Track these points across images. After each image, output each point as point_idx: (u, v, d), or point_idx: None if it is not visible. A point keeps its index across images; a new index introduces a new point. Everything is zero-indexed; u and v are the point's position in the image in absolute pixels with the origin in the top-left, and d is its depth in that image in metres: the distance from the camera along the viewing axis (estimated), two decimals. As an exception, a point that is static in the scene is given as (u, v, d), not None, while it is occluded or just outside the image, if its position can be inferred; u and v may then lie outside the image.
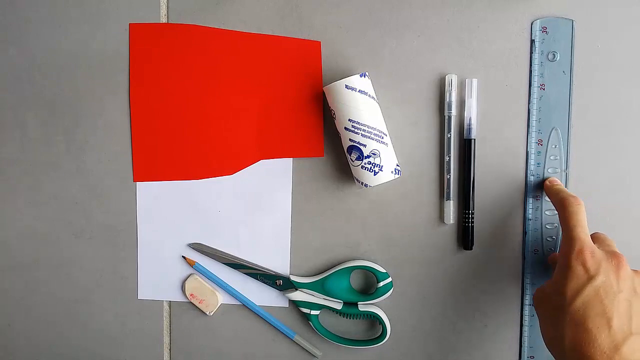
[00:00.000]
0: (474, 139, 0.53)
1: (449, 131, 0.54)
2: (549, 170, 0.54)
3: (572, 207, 0.47)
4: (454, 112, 0.53)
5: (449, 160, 0.54)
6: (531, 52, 0.53)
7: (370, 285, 0.57)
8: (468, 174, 0.54)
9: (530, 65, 0.53)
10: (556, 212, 0.49)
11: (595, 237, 0.48)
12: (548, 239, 0.54)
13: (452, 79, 0.53)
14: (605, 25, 0.52)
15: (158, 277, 0.59)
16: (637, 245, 0.54)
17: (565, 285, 0.42)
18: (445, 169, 0.54)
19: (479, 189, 0.55)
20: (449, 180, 0.54)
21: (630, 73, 0.53)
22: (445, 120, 0.54)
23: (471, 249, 0.54)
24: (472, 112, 0.53)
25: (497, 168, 0.54)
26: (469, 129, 0.53)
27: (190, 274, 0.59)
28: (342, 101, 0.51)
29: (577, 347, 0.41)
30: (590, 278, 0.42)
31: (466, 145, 0.54)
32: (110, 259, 0.59)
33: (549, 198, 0.51)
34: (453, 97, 0.53)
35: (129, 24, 0.56)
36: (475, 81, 0.53)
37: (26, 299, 0.61)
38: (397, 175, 0.52)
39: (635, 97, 0.53)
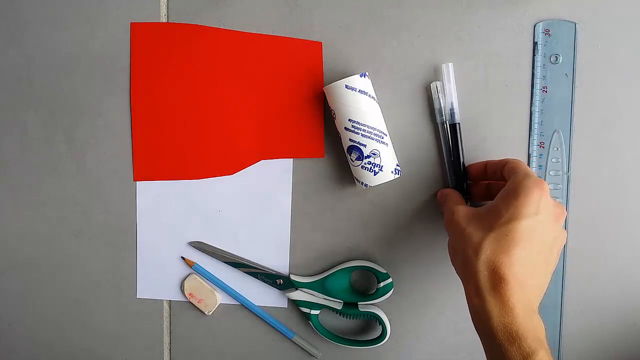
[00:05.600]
0: (459, 123, 0.53)
1: (445, 135, 0.54)
2: (550, 172, 0.54)
3: (515, 160, 0.48)
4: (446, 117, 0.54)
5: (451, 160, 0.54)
6: (534, 55, 0.53)
7: (370, 285, 0.57)
8: (457, 160, 0.53)
9: (533, 67, 0.53)
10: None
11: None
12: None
13: (437, 86, 0.53)
14: (608, 28, 0.52)
15: (158, 276, 0.59)
16: (638, 247, 0.54)
17: (511, 205, 0.42)
18: (449, 173, 0.54)
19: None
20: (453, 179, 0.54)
21: (633, 76, 0.53)
22: (440, 126, 0.54)
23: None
24: (452, 96, 0.53)
25: (497, 169, 0.54)
26: (452, 114, 0.53)
27: (190, 274, 0.59)
28: (342, 101, 0.50)
29: (491, 264, 0.41)
30: (538, 213, 0.42)
31: (451, 131, 0.53)
32: (110, 259, 0.59)
33: (489, 173, 0.51)
34: (442, 103, 0.53)
35: (130, 23, 0.56)
36: (451, 65, 0.53)
37: (26, 299, 0.61)
38: (397, 175, 0.52)
39: (637, 100, 0.53)
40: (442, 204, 0.52)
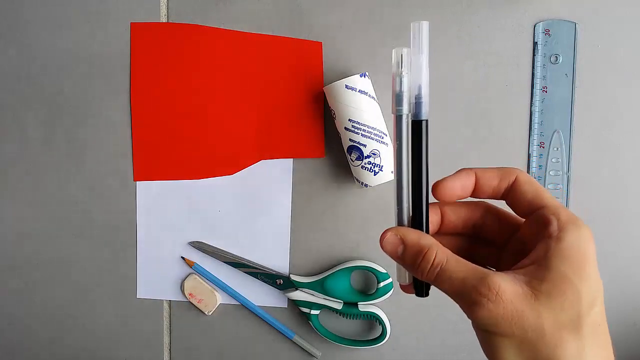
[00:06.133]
0: (426, 121, 0.33)
1: (400, 135, 0.33)
2: (550, 172, 0.54)
3: (525, 174, 0.32)
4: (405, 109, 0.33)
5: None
6: (534, 55, 0.53)
7: (370, 286, 0.57)
8: (418, 176, 0.33)
9: (533, 67, 0.53)
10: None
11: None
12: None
13: (403, 55, 0.33)
14: (608, 28, 0.52)
15: (157, 276, 0.59)
16: (638, 247, 0.54)
17: (585, 277, 0.28)
18: (397, 197, 0.34)
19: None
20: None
21: (633, 76, 0.53)
22: (396, 121, 0.33)
23: (427, 294, 0.34)
24: (422, 76, 0.32)
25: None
26: (419, 104, 0.32)
27: (190, 274, 0.59)
28: (342, 101, 0.50)
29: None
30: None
31: (413, 131, 0.33)
32: (110, 259, 0.59)
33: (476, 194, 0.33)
34: (405, 84, 0.33)
35: (130, 23, 0.56)
36: (425, 25, 0.32)
37: (26, 299, 0.61)
38: (397, 176, 0.51)
39: (637, 100, 0.53)
40: (414, 262, 0.31)
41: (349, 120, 0.50)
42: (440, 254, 0.30)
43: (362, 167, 0.51)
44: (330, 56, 0.55)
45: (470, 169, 0.33)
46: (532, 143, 0.54)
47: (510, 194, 0.32)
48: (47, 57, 0.57)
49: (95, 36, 0.56)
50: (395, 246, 0.32)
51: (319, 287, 0.56)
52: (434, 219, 0.34)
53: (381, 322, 0.56)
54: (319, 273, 0.57)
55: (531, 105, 0.53)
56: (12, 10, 0.57)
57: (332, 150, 0.56)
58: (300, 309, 0.57)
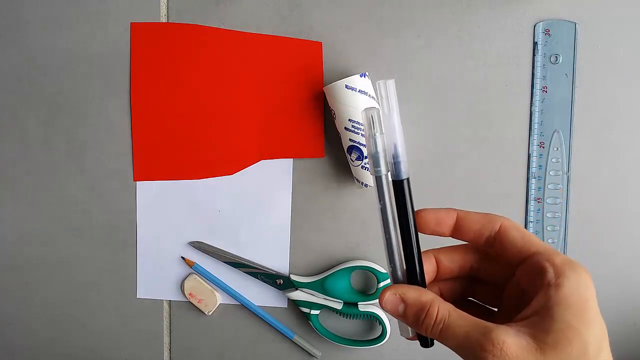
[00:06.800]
0: (407, 179, 0.32)
1: (383, 196, 0.33)
2: (550, 172, 0.54)
3: (510, 221, 0.32)
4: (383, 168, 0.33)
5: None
6: (534, 55, 0.53)
7: (370, 286, 0.57)
8: (408, 232, 0.32)
9: (533, 67, 0.53)
10: (558, 214, 0.48)
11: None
12: (549, 241, 0.54)
13: (373, 116, 0.33)
14: (608, 28, 0.52)
15: (158, 276, 0.59)
16: (638, 247, 0.54)
17: (589, 324, 0.28)
18: (389, 255, 0.33)
19: (481, 188, 0.54)
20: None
21: (633, 76, 0.53)
22: (376, 182, 0.33)
23: (432, 345, 0.33)
24: (396, 134, 0.32)
25: (498, 169, 0.54)
26: (397, 164, 0.32)
27: (190, 273, 0.59)
28: (342, 101, 0.50)
29: None
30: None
31: (396, 190, 0.32)
32: (110, 259, 0.59)
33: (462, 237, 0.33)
34: (379, 145, 0.32)
35: (130, 23, 0.56)
36: (391, 82, 0.32)
37: (26, 299, 0.61)
38: (397, 176, 0.51)
39: (637, 100, 0.53)
40: (417, 319, 0.31)
41: (349, 120, 0.50)
42: (442, 309, 0.30)
43: (362, 167, 0.51)
44: (330, 56, 0.55)
45: (455, 209, 0.33)
46: (532, 143, 0.54)
47: (497, 242, 0.32)
48: (47, 57, 0.57)
49: (95, 36, 0.56)
50: (395, 305, 0.32)
51: (319, 287, 0.56)
52: (429, 268, 0.34)
53: (381, 322, 0.56)
54: (319, 273, 0.57)
55: (531, 105, 0.53)
56: (12, 10, 0.57)
57: (332, 150, 0.56)
58: (300, 309, 0.57)
